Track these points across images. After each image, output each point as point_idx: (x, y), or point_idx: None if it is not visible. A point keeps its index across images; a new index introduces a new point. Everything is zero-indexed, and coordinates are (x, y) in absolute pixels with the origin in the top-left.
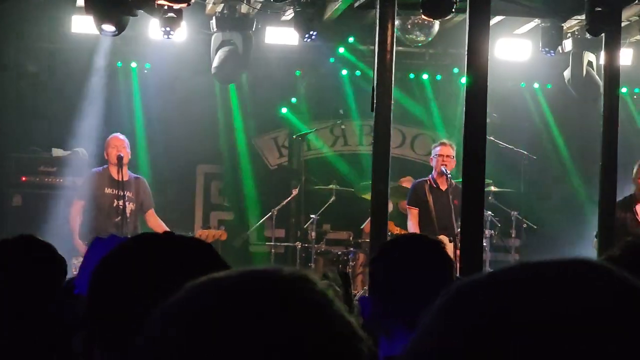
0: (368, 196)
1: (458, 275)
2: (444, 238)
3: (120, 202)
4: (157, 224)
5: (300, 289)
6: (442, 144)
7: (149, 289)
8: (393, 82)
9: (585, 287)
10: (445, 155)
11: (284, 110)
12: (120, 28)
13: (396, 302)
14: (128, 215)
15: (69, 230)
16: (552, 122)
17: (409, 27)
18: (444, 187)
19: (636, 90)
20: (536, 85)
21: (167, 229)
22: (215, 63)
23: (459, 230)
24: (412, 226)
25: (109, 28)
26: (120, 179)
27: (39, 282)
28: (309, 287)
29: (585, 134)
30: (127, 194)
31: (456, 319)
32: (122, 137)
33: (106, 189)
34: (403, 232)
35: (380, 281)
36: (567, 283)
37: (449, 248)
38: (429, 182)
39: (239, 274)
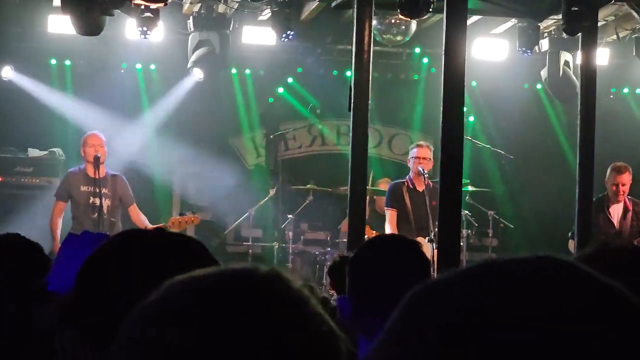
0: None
1: (435, 275)
2: (421, 239)
3: (96, 199)
4: (139, 219)
5: (278, 288)
6: (419, 145)
7: (137, 286)
8: (370, 81)
9: (555, 283)
10: (422, 157)
11: (262, 110)
12: (98, 28)
13: (374, 302)
14: (105, 212)
15: (49, 231)
16: (529, 122)
17: (387, 26)
18: (421, 188)
19: (612, 89)
20: (514, 85)
21: (148, 224)
22: (192, 60)
23: (436, 230)
24: (390, 228)
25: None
26: (96, 177)
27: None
28: (286, 286)
29: (562, 134)
30: (104, 190)
31: (429, 315)
32: (99, 135)
33: (81, 187)
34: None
35: (358, 281)
36: (537, 279)
37: (427, 249)
38: (406, 184)
39: (217, 272)
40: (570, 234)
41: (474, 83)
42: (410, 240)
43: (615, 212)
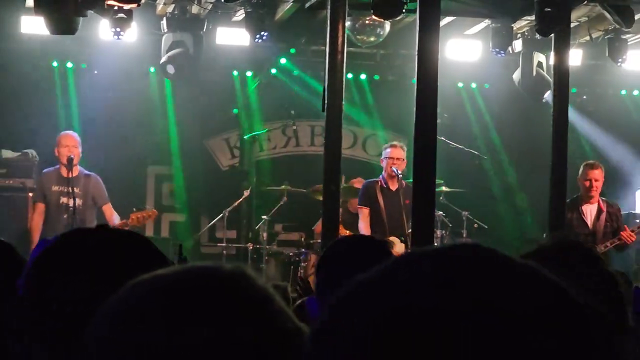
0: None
1: None
2: (394, 239)
3: (67, 199)
4: (111, 219)
5: (243, 286)
6: (393, 146)
7: (84, 284)
8: (344, 82)
9: (470, 272)
10: (395, 157)
11: (236, 111)
12: (72, 29)
13: None
14: (76, 212)
15: (25, 234)
16: (503, 122)
17: (360, 27)
18: (394, 188)
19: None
20: (487, 86)
21: (120, 222)
22: (165, 57)
23: (410, 230)
24: (363, 226)
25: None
26: (69, 176)
27: None
28: (251, 284)
29: (534, 134)
30: (75, 190)
31: (357, 311)
32: (74, 135)
33: (53, 186)
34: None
35: (327, 282)
36: (457, 270)
37: (400, 248)
38: (379, 183)
39: (181, 271)
40: (544, 235)
41: (446, 83)
42: (380, 239)
43: (589, 212)
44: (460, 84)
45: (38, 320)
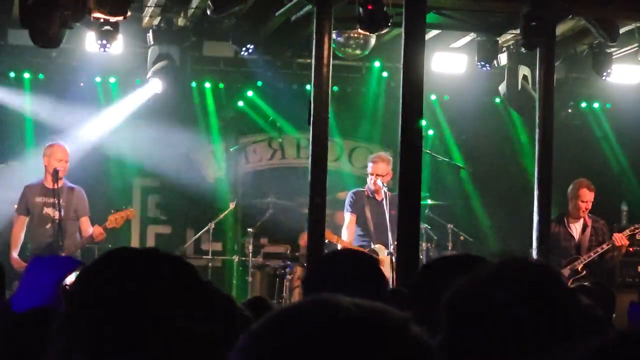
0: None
1: (394, 287)
2: (380, 247)
3: (50, 210)
4: (86, 231)
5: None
6: (374, 161)
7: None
8: (330, 95)
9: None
10: (376, 174)
11: (222, 123)
12: (57, 41)
13: None
14: (58, 223)
15: (7, 245)
16: (488, 136)
17: (346, 40)
18: (380, 197)
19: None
20: (472, 99)
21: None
22: (151, 71)
23: (395, 243)
24: (347, 232)
25: None
26: (53, 187)
27: None
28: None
29: (521, 147)
30: (58, 201)
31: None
32: (64, 147)
33: (37, 198)
34: (340, 240)
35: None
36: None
37: (386, 260)
38: (366, 192)
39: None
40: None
41: (432, 97)
42: (366, 255)
43: (574, 227)
44: (445, 97)
45: (86, 339)
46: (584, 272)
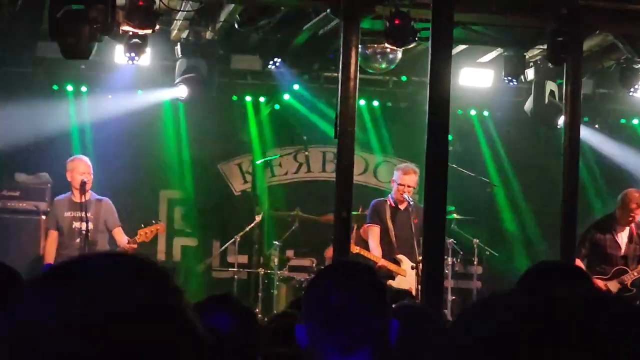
0: None
1: (421, 301)
2: (403, 257)
3: (79, 224)
4: (122, 240)
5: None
6: (406, 172)
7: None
8: (356, 109)
9: None
10: (406, 185)
11: (248, 136)
12: (87, 53)
13: (329, 327)
14: (88, 236)
15: (40, 258)
16: (515, 150)
17: (372, 54)
18: (403, 207)
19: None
20: (498, 113)
21: (130, 245)
22: (178, 81)
23: (420, 257)
24: (374, 245)
25: None
26: (81, 201)
27: None
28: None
29: (546, 162)
30: (87, 215)
31: None
32: (87, 161)
33: (65, 212)
34: (363, 251)
35: (313, 308)
36: None
37: (408, 271)
38: (388, 202)
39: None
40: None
41: (459, 111)
42: (366, 265)
43: (621, 235)
44: (472, 111)
45: None
46: (634, 290)
